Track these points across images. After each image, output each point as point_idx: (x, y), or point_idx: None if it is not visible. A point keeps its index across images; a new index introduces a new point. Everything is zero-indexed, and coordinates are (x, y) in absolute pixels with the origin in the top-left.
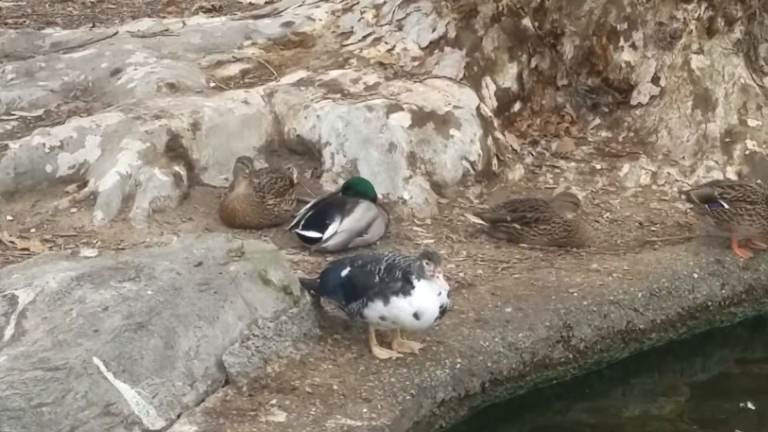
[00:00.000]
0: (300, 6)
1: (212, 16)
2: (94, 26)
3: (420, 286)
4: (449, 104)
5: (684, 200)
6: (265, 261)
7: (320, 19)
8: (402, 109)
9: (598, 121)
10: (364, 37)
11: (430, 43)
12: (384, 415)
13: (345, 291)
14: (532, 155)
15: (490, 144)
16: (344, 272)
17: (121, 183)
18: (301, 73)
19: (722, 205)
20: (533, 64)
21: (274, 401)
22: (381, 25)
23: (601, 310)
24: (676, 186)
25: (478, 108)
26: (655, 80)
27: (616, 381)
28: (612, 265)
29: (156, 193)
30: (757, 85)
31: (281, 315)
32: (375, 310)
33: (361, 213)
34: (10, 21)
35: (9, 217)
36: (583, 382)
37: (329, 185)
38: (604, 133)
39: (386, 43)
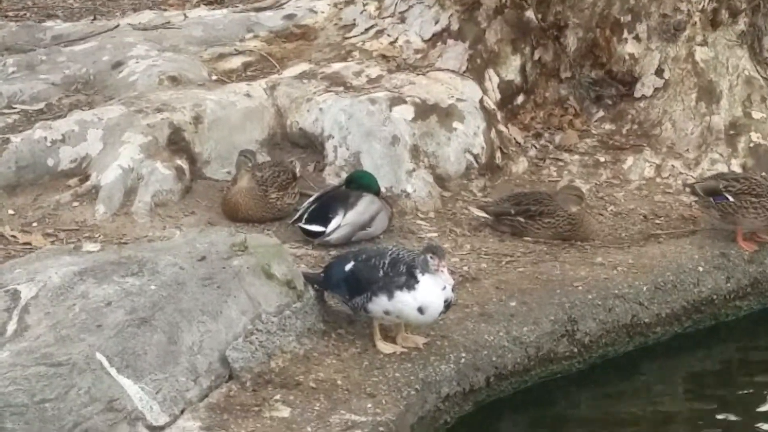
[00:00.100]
0: None
1: (214, 9)
2: (95, 19)
3: (424, 280)
4: (452, 97)
5: (689, 193)
6: (269, 255)
7: (322, 12)
8: (405, 102)
9: (601, 113)
10: (367, 30)
11: (433, 35)
12: (388, 411)
13: (349, 285)
14: (536, 148)
15: (493, 137)
16: (348, 266)
17: (123, 177)
18: (304, 66)
19: (727, 198)
20: (536, 57)
21: (278, 396)
22: (383, 18)
23: (605, 303)
24: (681, 179)
25: (481, 101)
26: (659, 72)
27: (621, 375)
28: (616, 258)
29: (158, 186)
30: (762, 77)
31: (285, 310)
32: (379, 304)
33: (364, 206)
34: (11, 14)
35: (11, 211)
36: (587, 377)
37: (332, 178)
38: (607, 126)
39: (389, 35)
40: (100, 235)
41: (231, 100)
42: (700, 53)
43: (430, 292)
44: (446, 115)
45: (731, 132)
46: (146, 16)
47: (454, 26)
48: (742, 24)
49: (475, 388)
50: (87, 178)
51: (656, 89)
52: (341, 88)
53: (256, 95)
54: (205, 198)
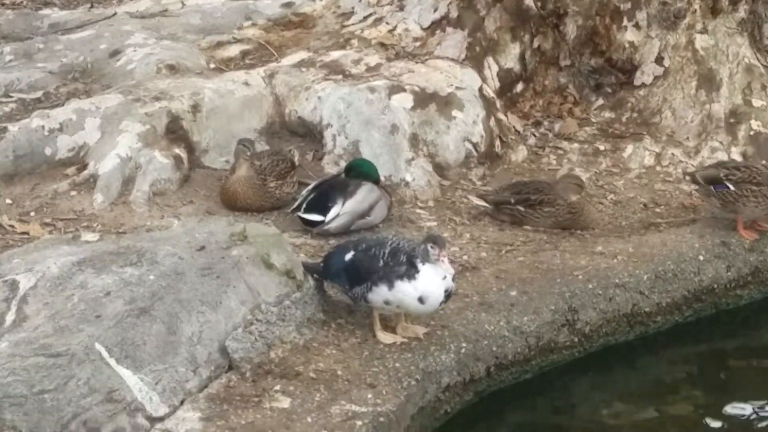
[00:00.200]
0: None
1: None
2: (92, 7)
3: (425, 270)
4: (451, 85)
5: (689, 182)
6: (268, 245)
7: (321, 0)
8: (404, 90)
9: (601, 101)
10: (365, 18)
11: (432, 23)
12: (389, 401)
13: (349, 275)
14: (535, 136)
15: (492, 125)
16: (348, 256)
17: (121, 166)
18: (302, 54)
19: (728, 187)
20: (536, 45)
21: (278, 387)
22: (382, 5)
23: (606, 293)
24: (681, 167)
25: (480, 89)
26: (658, 60)
27: (622, 364)
28: (617, 247)
29: (156, 175)
30: (762, 64)
31: (284, 300)
32: (379, 294)
33: (363, 195)
34: (7, 2)
35: (8, 201)
36: (588, 366)
37: (331, 167)
38: (607, 114)
39: (387, 23)
40: (98, 225)
41: (229, 89)
42: (700, 41)
43: (431, 281)
44: (445, 103)
45: (731, 120)
46: (144, 4)
47: (453, 14)
48: (742, 11)
49: (476, 378)
50: (85, 167)
51: (656, 77)
52: (340, 77)
53: (254, 84)
54: (203, 187)
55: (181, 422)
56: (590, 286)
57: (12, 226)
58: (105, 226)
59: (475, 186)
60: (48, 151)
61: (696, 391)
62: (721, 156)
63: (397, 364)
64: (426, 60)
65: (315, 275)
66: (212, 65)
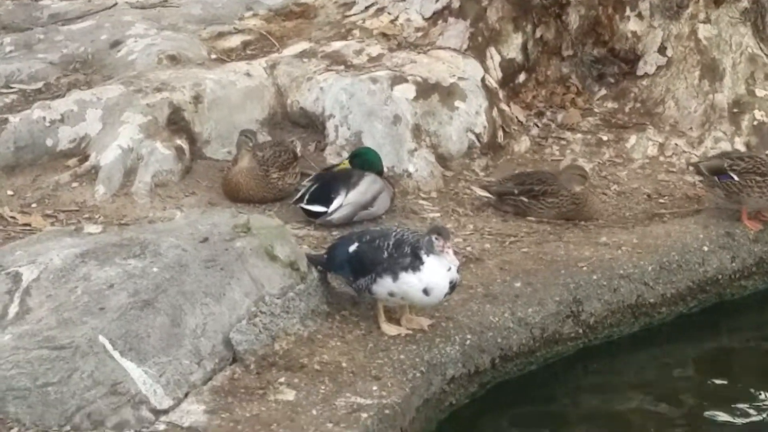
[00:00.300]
0: None
1: None
2: None
3: (429, 261)
4: (454, 76)
5: (693, 172)
6: (272, 236)
7: None
8: (406, 80)
9: (604, 91)
10: (367, 8)
11: (434, 13)
12: (394, 393)
13: (353, 267)
14: (538, 127)
15: (495, 116)
16: (352, 248)
17: (123, 157)
18: (304, 45)
19: (732, 177)
20: (538, 35)
21: (282, 379)
22: None
23: (611, 284)
24: (684, 157)
25: (483, 79)
26: (661, 50)
27: (627, 356)
28: (621, 238)
29: (158, 167)
30: (765, 54)
31: (288, 291)
32: (384, 286)
33: (366, 186)
34: None
35: (9, 192)
36: (593, 358)
37: (333, 158)
38: (610, 104)
39: (389, 13)
40: (100, 216)
41: (231, 80)
42: (703, 31)
43: (435, 273)
44: (448, 93)
45: (735, 110)
46: None
47: (455, 4)
48: (745, 1)
49: (481, 369)
50: (86, 158)
51: (659, 67)
52: (342, 67)
53: (256, 74)
54: (205, 178)
55: (185, 415)
56: (595, 277)
57: (13, 218)
58: (107, 217)
59: (478, 177)
60: (49, 143)
61: (701, 382)
62: (725, 146)
63: (402, 356)
64: (428, 50)
65: (319, 267)
66: (213, 56)
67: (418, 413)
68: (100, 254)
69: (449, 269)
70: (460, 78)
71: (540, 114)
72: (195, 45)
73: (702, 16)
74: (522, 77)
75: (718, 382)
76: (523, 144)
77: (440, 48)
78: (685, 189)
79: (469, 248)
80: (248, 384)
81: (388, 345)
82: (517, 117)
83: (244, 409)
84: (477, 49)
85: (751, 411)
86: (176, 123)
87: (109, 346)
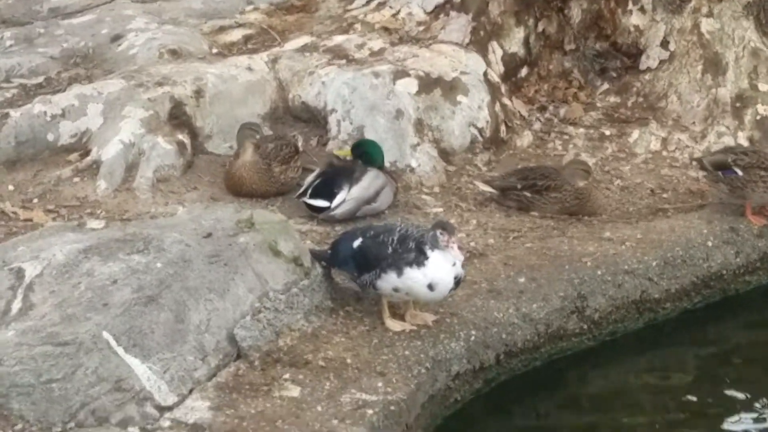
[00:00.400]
0: None
1: None
2: None
3: (434, 256)
4: (456, 70)
5: (697, 167)
6: (275, 232)
7: None
8: (409, 75)
9: (606, 86)
10: (368, 2)
11: (436, 7)
12: (399, 389)
13: (357, 262)
14: (541, 121)
15: (497, 110)
16: (356, 243)
17: (124, 152)
18: (305, 39)
19: (736, 172)
20: (540, 29)
21: (287, 375)
22: None
23: (615, 279)
24: (687, 152)
25: (485, 73)
26: (664, 44)
27: (631, 351)
28: (625, 233)
29: (160, 161)
30: None
31: (292, 287)
32: (388, 281)
33: (369, 181)
34: None
35: (11, 187)
36: (597, 353)
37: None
38: (612, 99)
39: (391, 7)
40: (101, 211)
41: (232, 74)
42: (706, 25)
43: (440, 268)
44: (450, 88)
45: (738, 104)
46: None
47: None
48: None
49: (485, 365)
50: (87, 153)
51: (661, 61)
52: (344, 61)
53: (257, 68)
54: (207, 173)
55: (190, 411)
56: (599, 272)
57: (15, 213)
58: (109, 212)
59: (481, 172)
60: (50, 137)
61: (705, 378)
62: (728, 141)
63: (407, 352)
64: (430, 44)
65: (323, 262)
66: (214, 50)
67: (423, 409)
68: (103, 250)
69: (454, 264)
70: (462, 72)
71: (542, 108)
72: (196, 39)
73: (705, 10)
74: (524, 71)
75: (722, 377)
76: (525, 139)
77: (442, 42)
78: (688, 184)
79: (472, 243)
80: (253, 380)
81: (393, 341)
82: (519, 111)
83: (249, 405)
84: (479, 43)
85: (757, 406)
86: (178, 117)
87: (113, 342)
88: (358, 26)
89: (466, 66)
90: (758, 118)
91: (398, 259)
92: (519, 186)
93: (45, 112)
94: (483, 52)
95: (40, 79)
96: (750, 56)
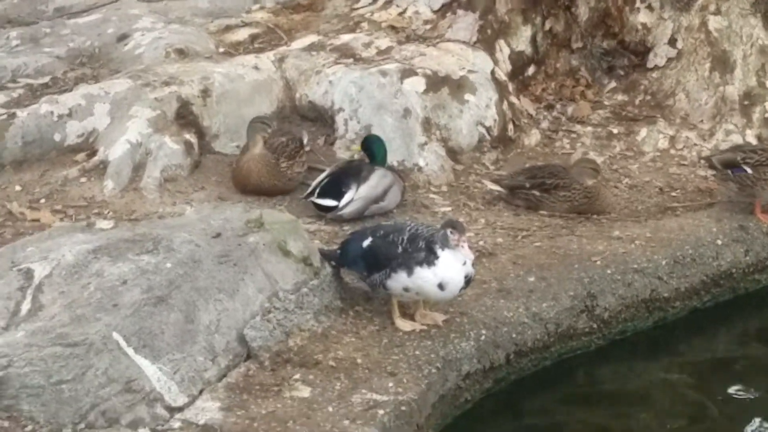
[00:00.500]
0: None
1: None
2: None
3: (444, 255)
4: (463, 68)
5: (705, 166)
6: (284, 231)
7: None
8: (416, 73)
9: (613, 84)
10: (375, 0)
11: (442, 5)
12: (410, 389)
13: (367, 262)
14: (548, 120)
15: (505, 109)
16: (366, 243)
17: (132, 151)
18: (312, 38)
19: (745, 170)
20: (547, 27)
21: (297, 376)
22: None
23: (625, 278)
24: (695, 150)
25: (492, 72)
26: (672, 42)
27: (641, 351)
28: (634, 232)
29: (167, 161)
30: None
31: (302, 287)
32: (398, 281)
33: (377, 180)
34: None
35: (18, 188)
36: (607, 353)
37: (343, 152)
38: (620, 97)
39: (397, 6)
40: (109, 212)
41: (239, 73)
42: (714, 22)
43: (451, 267)
44: (458, 86)
45: (745, 102)
46: None
47: None
48: None
49: (495, 365)
50: (94, 153)
51: (669, 59)
52: (351, 60)
53: (264, 68)
54: (214, 173)
55: (200, 412)
56: (609, 271)
57: (22, 214)
58: (116, 212)
59: (489, 170)
60: (57, 137)
61: (715, 376)
62: (736, 138)
63: (417, 352)
64: (437, 43)
65: (332, 262)
66: (221, 49)
67: (434, 409)
68: (112, 250)
69: (464, 263)
70: (470, 71)
71: (550, 107)
72: (202, 38)
73: (712, 7)
74: (531, 70)
75: (732, 375)
76: (533, 137)
77: (449, 41)
78: (697, 182)
79: (481, 242)
80: (263, 381)
81: (403, 341)
82: (527, 110)
83: (260, 406)
84: (486, 41)
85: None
86: (185, 117)
87: (123, 343)
88: (364, 25)
89: (473, 64)
90: (766, 115)
91: (408, 258)
92: (527, 185)
93: (52, 112)
94: (490, 50)
95: (47, 78)
96: (758, 54)
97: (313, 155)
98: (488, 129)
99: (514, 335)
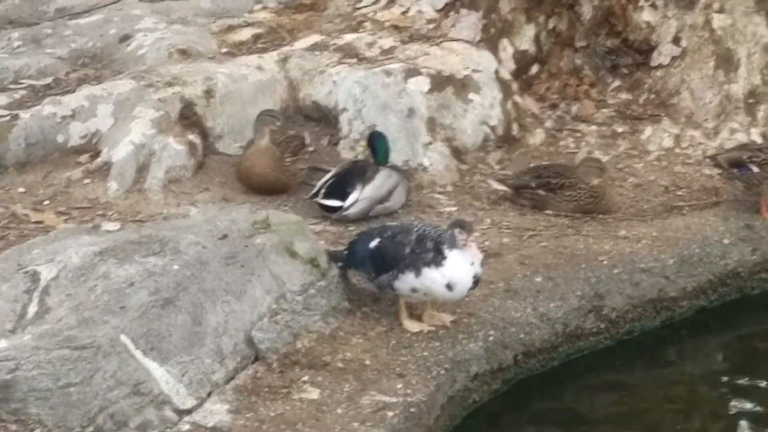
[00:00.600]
0: None
1: None
2: None
3: (452, 256)
4: (468, 68)
5: (711, 165)
6: (291, 232)
7: None
8: (420, 73)
9: (617, 83)
10: (377, 0)
11: (446, 5)
12: (419, 391)
13: (374, 263)
14: (552, 119)
15: (509, 108)
16: (373, 243)
17: (135, 153)
18: (315, 38)
19: (751, 169)
20: (551, 26)
21: (305, 378)
22: None
23: (632, 278)
24: (700, 149)
25: (496, 71)
26: (676, 40)
27: (649, 351)
28: (640, 231)
29: (171, 162)
30: None
31: (309, 288)
32: (406, 282)
33: (382, 180)
34: None
35: (21, 189)
36: (615, 352)
37: (347, 153)
38: (624, 96)
39: (400, 5)
40: (113, 213)
41: (242, 73)
42: (718, 21)
43: (459, 267)
44: (462, 86)
45: (750, 101)
46: None
47: None
48: None
49: (504, 366)
50: (98, 154)
51: (673, 58)
52: (354, 60)
53: (267, 68)
54: (218, 173)
55: (209, 415)
56: (616, 271)
57: (26, 215)
58: (120, 214)
59: (494, 170)
60: (60, 139)
61: (722, 376)
62: (741, 137)
63: (426, 353)
64: (440, 42)
65: (339, 263)
66: (224, 49)
67: (443, 411)
68: (119, 252)
69: (472, 264)
70: (474, 70)
71: (554, 106)
72: (205, 38)
73: (716, 5)
74: (535, 69)
75: (739, 375)
76: (537, 136)
77: (453, 40)
78: (702, 181)
79: (487, 242)
80: (271, 383)
81: (411, 342)
82: (531, 109)
83: (269, 408)
84: (490, 40)
85: None
86: (188, 118)
87: (131, 346)
88: (367, 24)
89: (477, 64)
90: None
91: (416, 259)
92: (533, 184)
93: (55, 114)
94: (494, 49)
95: (49, 80)
96: (762, 52)
97: (316, 155)
98: (493, 128)
99: (522, 336)
